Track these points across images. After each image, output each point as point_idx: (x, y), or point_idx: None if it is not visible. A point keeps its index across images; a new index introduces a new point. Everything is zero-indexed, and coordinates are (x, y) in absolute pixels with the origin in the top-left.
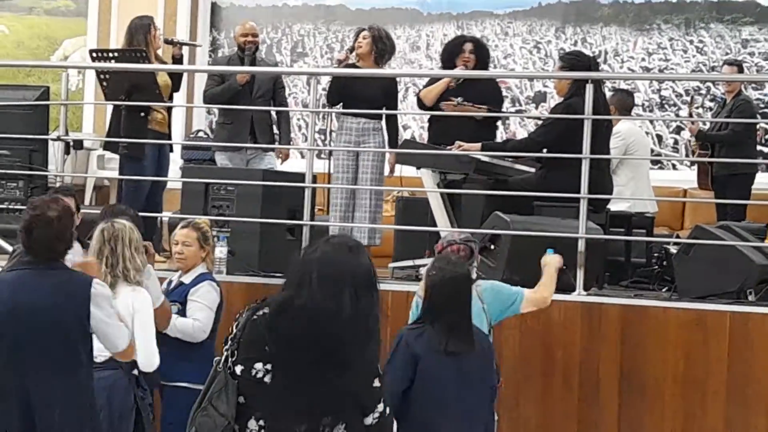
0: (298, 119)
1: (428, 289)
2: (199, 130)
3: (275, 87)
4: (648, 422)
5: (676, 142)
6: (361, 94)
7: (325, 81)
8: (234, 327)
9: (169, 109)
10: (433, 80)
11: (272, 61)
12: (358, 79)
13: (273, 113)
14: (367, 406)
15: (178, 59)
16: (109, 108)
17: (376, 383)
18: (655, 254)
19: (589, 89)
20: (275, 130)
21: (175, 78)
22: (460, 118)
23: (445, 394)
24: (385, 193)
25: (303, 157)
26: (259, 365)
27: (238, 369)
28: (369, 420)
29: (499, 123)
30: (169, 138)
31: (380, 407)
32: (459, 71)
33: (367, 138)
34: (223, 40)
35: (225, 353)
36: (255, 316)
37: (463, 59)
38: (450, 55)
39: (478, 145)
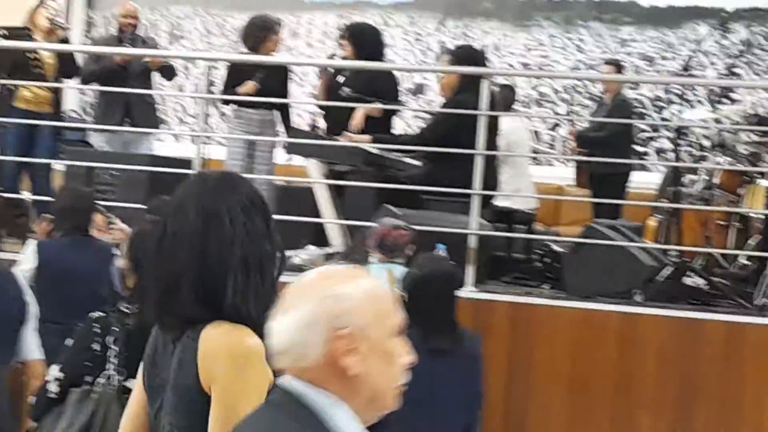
0: (175, 103)
1: (410, 287)
2: (71, 110)
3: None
4: (534, 419)
5: (552, 138)
6: (265, 84)
7: (203, 66)
8: (102, 343)
9: (55, 90)
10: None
11: (152, 41)
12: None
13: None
14: None
15: (63, 42)
16: None
17: None
18: (537, 251)
19: (485, 85)
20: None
21: (66, 64)
22: (353, 111)
23: (422, 393)
24: None
25: (177, 140)
26: None
27: (133, 383)
28: None
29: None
30: (51, 117)
31: None
32: (340, 61)
33: (265, 129)
34: (99, 20)
35: (109, 373)
36: (130, 327)
37: (340, 47)
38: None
39: (368, 137)
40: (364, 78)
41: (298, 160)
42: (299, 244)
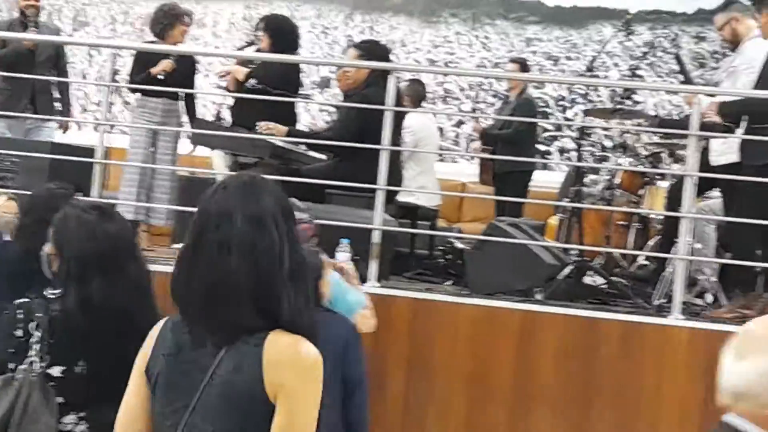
0: (77, 89)
1: None
2: None
3: (58, 53)
4: (433, 414)
5: (457, 135)
6: (172, 74)
7: (107, 53)
8: (25, 330)
9: None
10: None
11: (54, 27)
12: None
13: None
14: None
15: None
16: None
17: None
18: (440, 247)
19: (392, 80)
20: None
21: None
22: (259, 102)
23: None
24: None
25: (80, 129)
26: (81, 362)
27: (57, 370)
28: None
29: (300, 108)
30: None
31: None
32: (245, 53)
33: (170, 119)
34: (1, 4)
35: (31, 359)
36: (54, 313)
37: (255, 38)
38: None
39: (286, 129)
40: (271, 69)
41: (202, 151)
42: None
